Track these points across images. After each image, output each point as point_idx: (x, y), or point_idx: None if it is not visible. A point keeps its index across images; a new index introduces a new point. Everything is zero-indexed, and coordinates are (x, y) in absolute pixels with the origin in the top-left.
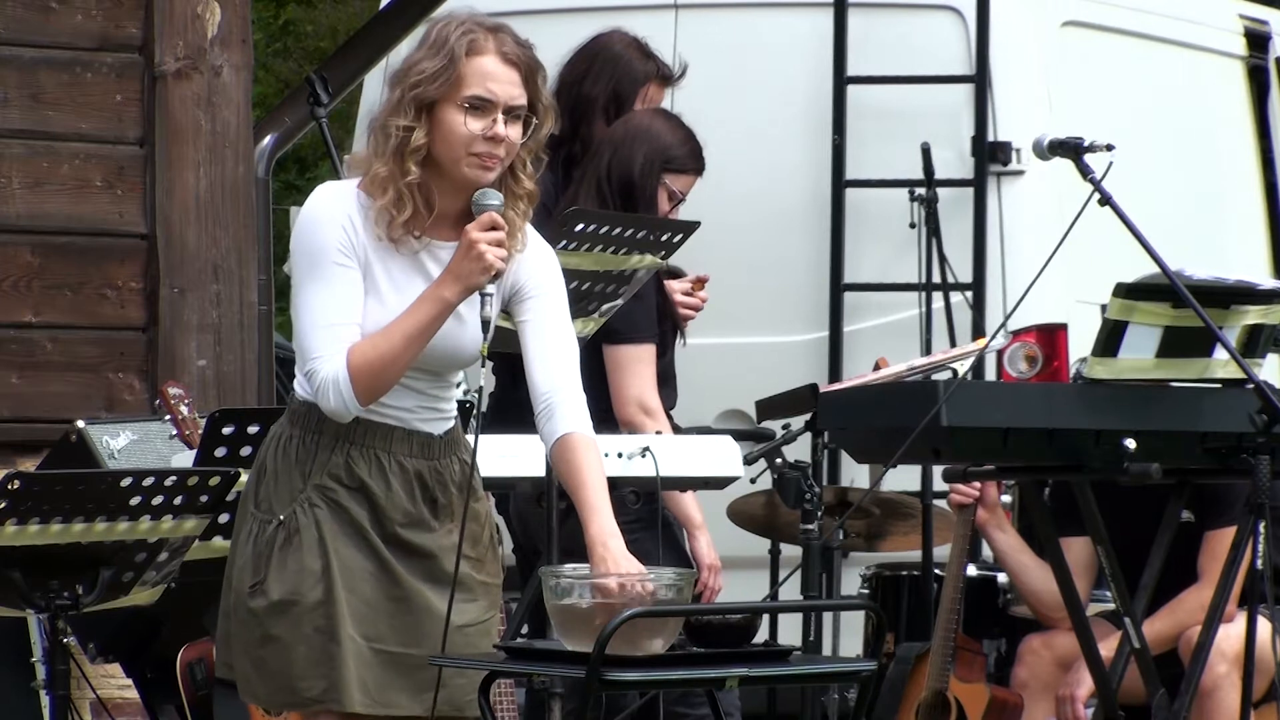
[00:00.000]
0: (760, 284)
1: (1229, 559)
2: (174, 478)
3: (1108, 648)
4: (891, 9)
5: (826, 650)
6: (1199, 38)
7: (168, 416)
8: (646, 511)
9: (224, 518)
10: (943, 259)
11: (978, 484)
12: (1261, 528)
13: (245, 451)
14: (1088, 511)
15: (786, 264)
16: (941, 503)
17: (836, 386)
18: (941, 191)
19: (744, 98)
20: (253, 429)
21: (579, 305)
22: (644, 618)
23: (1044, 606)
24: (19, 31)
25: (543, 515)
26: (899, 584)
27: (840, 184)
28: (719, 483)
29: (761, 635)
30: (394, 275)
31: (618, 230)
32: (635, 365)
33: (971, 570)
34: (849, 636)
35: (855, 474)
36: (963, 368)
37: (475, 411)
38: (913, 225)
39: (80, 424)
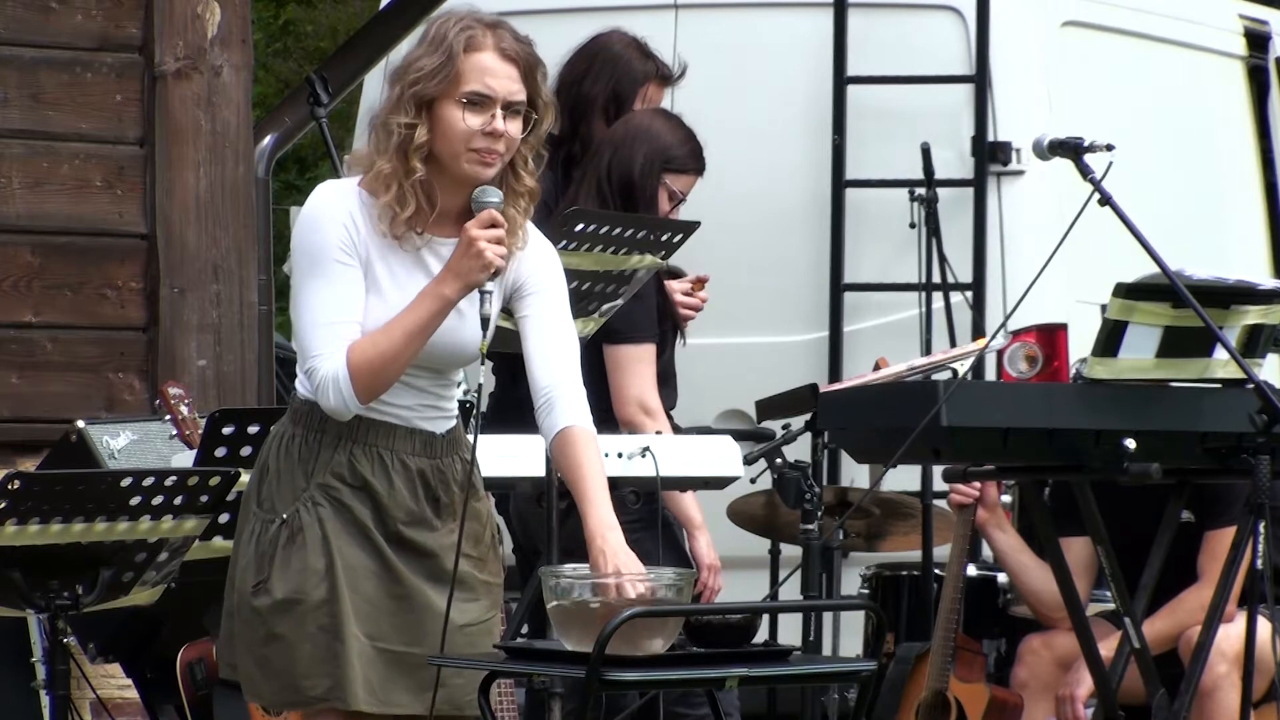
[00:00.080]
0: (760, 284)
1: (1229, 559)
2: (174, 478)
3: (1108, 648)
4: (891, 9)
5: (826, 650)
6: (1199, 38)
7: (168, 416)
8: (646, 511)
9: (224, 518)
10: (943, 259)
11: (978, 484)
12: (1261, 528)
13: (245, 451)
14: (1088, 511)
15: (786, 264)
16: (941, 503)
17: (836, 386)
18: (941, 191)
19: (744, 98)
20: (253, 429)
21: (579, 305)
22: (644, 618)
23: (1044, 606)
24: (19, 31)
25: (543, 515)
26: (899, 584)
27: (840, 184)
28: (719, 483)
29: (761, 635)
30: (395, 272)
31: (618, 230)
32: (635, 365)
33: (971, 570)
34: (849, 636)
35: (855, 474)
36: (963, 368)
37: (474, 410)
38: (913, 225)
39: (80, 424)
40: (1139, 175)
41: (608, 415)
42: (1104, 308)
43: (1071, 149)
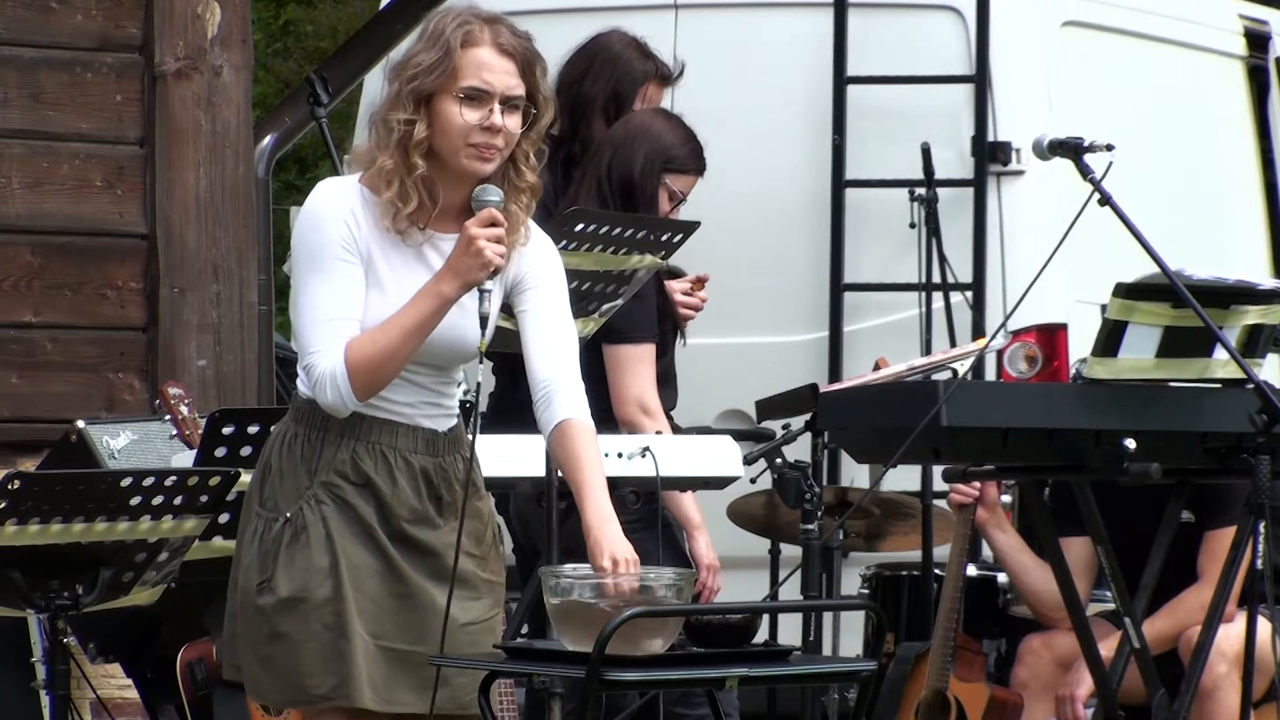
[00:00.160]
0: (760, 284)
1: (1229, 559)
2: (174, 478)
3: (1108, 648)
4: (891, 9)
5: (826, 650)
6: (1199, 38)
7: (168, 416)
8: (646, 511)
9: (224, 518)
10: (943, 259)
11: (978, 484)
12: (1261, 528)
13: (245, 451)
14: (1088, 511)
15: (786, 264)
16: (941, 503)
17: (836, 386)
18: (941, 191)
19: (744, 98)
20: (253, 429)
21: (579, 305)
22: (644, 618)
23: (1044, 606)
24: (19, 31)
25: (543, 515)
26: (899, 584)
27: (840, 184)
28: (719, 483)
29: (761, 635)
30: (397, 267)
31: (618, 230)
32: (635, 365)
33: (971, 570)
34: (849, 636)
35: (855, 474)
36: (963, 368)
37: (474, 409)
38: (913, 225)
39: (80, 424)
40: (1139, 175)
41: (607, 415)
42: (1104, 308)
43: (1071, 149)
